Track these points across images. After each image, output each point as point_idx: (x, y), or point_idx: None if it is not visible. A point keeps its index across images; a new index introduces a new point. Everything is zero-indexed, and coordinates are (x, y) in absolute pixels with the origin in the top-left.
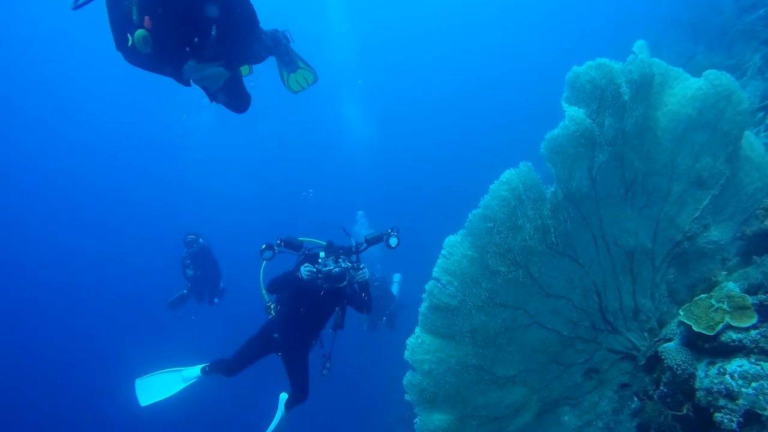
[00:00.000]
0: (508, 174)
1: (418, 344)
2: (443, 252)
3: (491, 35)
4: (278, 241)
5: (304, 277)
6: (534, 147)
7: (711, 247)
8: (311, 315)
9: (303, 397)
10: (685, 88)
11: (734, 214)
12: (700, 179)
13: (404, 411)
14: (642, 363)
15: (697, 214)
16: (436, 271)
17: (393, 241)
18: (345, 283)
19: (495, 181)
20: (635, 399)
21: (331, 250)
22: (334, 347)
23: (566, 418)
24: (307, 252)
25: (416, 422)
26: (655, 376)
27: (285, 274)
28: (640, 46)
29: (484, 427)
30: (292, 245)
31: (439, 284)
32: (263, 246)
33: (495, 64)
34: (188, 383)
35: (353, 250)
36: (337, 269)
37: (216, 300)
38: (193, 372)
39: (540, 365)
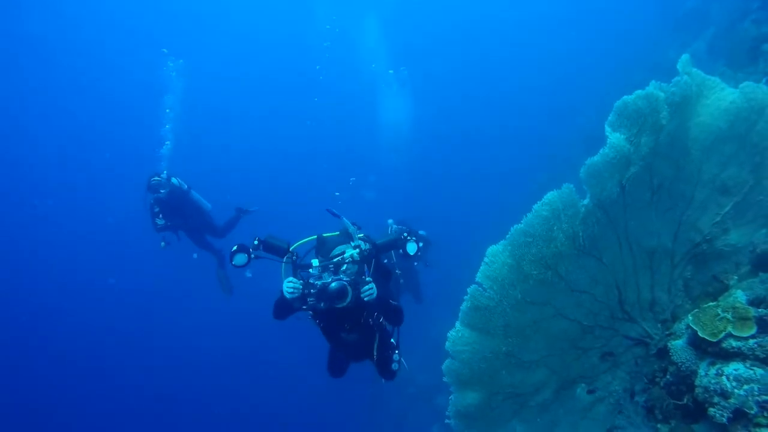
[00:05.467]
0: (550, 195)
1: (459, 337)
2: (485, 260)
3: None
4: (255, 242)
5: (287, 295)
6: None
7: (728, 249)
8: (344, 330)
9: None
10: (719, 100)
11: (755, 218)
12: (725, 187)
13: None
14: (653, 352)
15: (717, 219)
16: (479, 277)
17: (411, 248)
18: (348, 301)
19: (538, 202)
20: (644, 379)
21: (324, 249)
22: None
23: (581, 394)
24: (295, 258)
25: (451, 398)
26: (663, 365)
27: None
28: (684, 62)
29: (509, 401)
30: (273, 248)
31: (480, 288)
32: (234, 248)
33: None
34: None
35: (357, 257)
36: (335, 284)
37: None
38: None
39: (561, 350)
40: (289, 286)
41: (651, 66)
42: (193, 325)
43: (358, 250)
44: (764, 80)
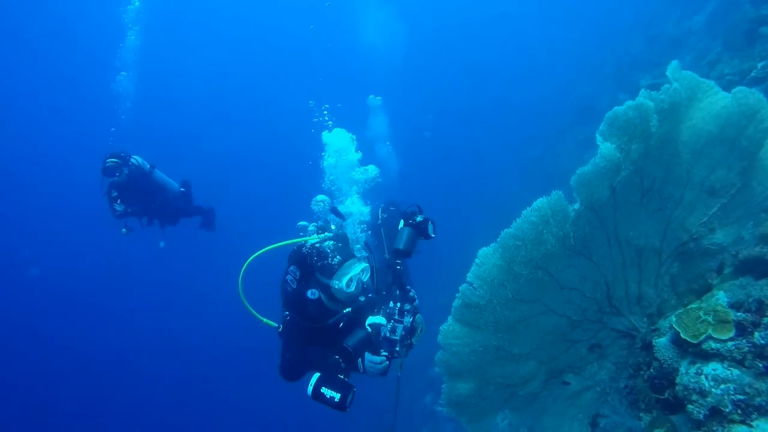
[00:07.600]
0: (539, 202)
1: (450, 331)
2: (477, 261)
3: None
4: (338, 360)
5: (379, 374)
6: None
7: (714, 248)
8: None
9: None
10: (711, 104)
11: (740, 219)
12: (713, 189)
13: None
14: (639, 345)
15: (704, 219)
16: (469, 277)
17: (431, 230)
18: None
19: (528, 208)
20: (629, 370)
21: (328, 266)
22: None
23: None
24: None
25: (443, 388)
26: (647, 358)
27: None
28: (673, 68)
29: (499, 392)
30: (366, 347)
31: (471, 287)
32: (329, 395)
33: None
34: None
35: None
36: (409, 321)
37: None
38: None
39: (550, 343)
40: (381, 368)
41: (650, 37)
42: (181, 315)
43: (367, 264)
44: (761, 65)
